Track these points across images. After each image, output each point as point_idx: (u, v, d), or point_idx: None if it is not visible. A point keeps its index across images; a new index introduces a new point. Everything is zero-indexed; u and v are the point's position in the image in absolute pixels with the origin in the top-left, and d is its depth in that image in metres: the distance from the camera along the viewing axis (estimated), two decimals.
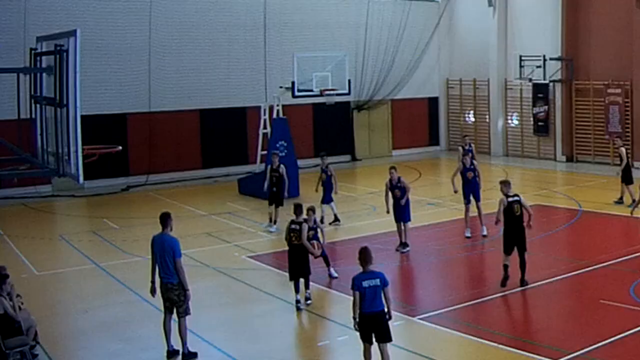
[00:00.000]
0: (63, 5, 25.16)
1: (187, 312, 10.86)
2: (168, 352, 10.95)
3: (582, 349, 10.49)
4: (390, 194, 16.57)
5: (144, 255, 15.53)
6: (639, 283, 13.41)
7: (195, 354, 10.89)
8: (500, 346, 10.77)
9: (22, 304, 11.18)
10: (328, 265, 14.62)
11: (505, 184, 13.88)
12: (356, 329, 9.57)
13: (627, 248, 15.93)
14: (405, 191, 16.51)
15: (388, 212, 16.70)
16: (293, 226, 13.17)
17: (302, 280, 13.09)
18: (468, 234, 17.61)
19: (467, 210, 17.76)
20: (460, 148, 21.75)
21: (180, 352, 10.89)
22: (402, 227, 16.63)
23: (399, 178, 16.56)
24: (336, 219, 19.39)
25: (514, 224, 13.50)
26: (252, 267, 15.94)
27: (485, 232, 17.49)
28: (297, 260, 13.08)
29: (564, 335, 11.27)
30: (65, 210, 23.33)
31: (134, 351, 11.50)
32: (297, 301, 12.95)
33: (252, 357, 11.17)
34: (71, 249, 17.93)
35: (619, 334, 10.97)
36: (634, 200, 18.46)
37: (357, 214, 20.65)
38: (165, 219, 10.92)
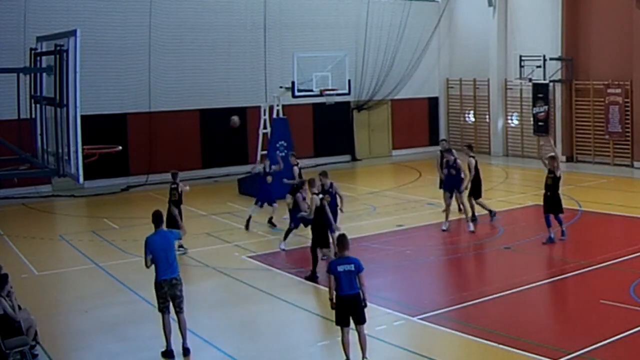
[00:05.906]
0: (63, 5, 25.14)
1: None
2: (168, 352, 10.96)
3: (582, 349, 10.48)
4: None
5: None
6: (639, 283, 13.42)
7: (187, 350, 11.03)
8: (500, 346, 10.76)
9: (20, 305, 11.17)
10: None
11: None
12: (333, 309, 10.21)
13: (627, 248, 15.91)
14: (336, 198, 16.07)
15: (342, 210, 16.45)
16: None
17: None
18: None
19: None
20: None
21: (182, 347, 10.98)
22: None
23: (331, 184, 16.03)
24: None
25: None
26: (252, 267, 15.94)
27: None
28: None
29: (564, 335, 11.27)
30: (65, 210, 23.32)
31: (134, 351, 11.50)
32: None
33: (252, 357, 11.16)
34: (71, 249, 17.92)
35: (619, 334, 10.96)
36: (472, 213, 18.47)
37: (357, 214, 20.62)
38: (158, 217, 11.35)
